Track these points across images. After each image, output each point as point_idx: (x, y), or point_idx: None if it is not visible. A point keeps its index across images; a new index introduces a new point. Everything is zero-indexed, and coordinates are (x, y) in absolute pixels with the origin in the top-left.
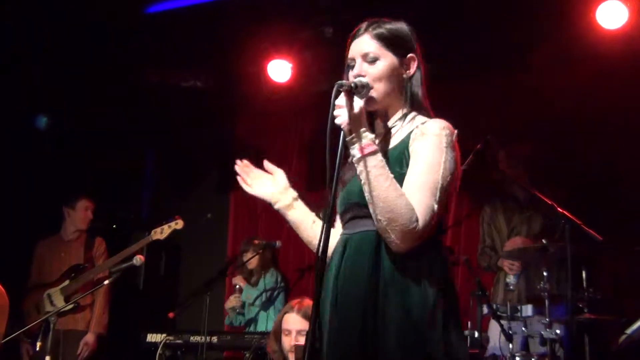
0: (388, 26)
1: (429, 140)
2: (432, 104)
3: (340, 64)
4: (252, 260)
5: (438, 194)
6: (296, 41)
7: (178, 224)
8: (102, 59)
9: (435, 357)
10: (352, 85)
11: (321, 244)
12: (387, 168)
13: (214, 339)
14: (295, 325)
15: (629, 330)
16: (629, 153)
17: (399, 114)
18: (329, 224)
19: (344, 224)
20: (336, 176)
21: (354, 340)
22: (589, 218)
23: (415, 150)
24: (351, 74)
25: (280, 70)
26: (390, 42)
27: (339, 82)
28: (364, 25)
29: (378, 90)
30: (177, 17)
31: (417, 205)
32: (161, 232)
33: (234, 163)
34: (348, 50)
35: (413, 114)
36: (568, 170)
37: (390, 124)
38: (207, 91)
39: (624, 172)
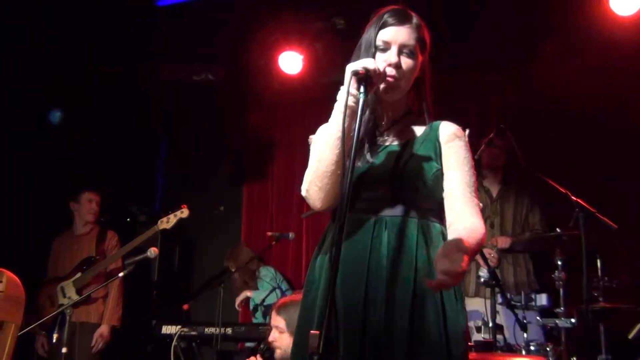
0: (424, 30)
1: (462, 144)
2: (445, 94)
3: (350, 56)
4: (236, 276)
5: None
6: (307, 33)
7: (184, 213)
8: (113, 52)
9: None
10: (366, 72)
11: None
12: None
13: (229, 330)
14: (277, 321)
15: None
16: None
17: (403, 110)
18: (345, 209)
19: (364, 201)
20: (352, 162)
21: (404, 319)
22: (601, 207)
23: (453, 151)
24: (381, 56)
25: (291, 62)
26: (423, 44)
27: (354, 69)
28: (404, 13)
29: (400, 86)
30: (187, 10)
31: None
32: (167, 222)
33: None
34: (379, 26)
35: (417, 113)
36: (580, 159)
37: (394, 118)
38: (218, 84)
39: (635, 159)
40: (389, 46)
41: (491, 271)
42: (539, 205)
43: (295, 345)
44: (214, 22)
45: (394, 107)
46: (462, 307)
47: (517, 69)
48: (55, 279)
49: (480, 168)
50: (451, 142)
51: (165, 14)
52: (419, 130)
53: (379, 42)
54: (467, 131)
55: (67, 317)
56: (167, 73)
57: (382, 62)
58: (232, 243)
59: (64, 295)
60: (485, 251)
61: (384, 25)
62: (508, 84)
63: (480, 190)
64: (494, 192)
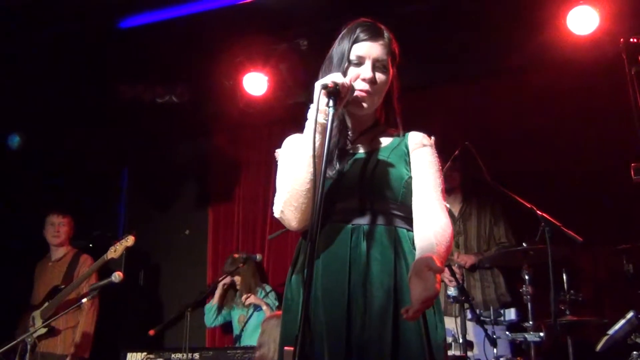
0: (394, 44)
1: (429, 150)
2: (410, 111)
3: (315, 76)
4: (238, 281)
5: None
6: (271, 54)
7: (128, 241)
8: (75, 74)
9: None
10: (335, 86)
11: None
12: None
13: (196, 355)
14: (263, 337)
15: (610, 331)
16: (604, 156)
17: (372, 121)
18: (317, 223)
19: (338, 212)
20: (322, 176)
21: (387, 328)
22: (565, 222)
23: (420, 158)
24: (355, 70)
25: (255, 83)
26: (394, 58)
27: (323, 83)
28: (376, 27)
29: (374, 100)
30: (151, 32)
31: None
32: (114, 251)
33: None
34: (353, 40)
35: (386, 124)
36: (542, 175)
37: (362, 129)
38: (183, 106)
39: (599, 174)
40: (363, 61)
41: (460, 287)
42: (502, 218)
43: None
44: (177, 44)
45: (363, 119)
46: (441, 319)
47: (480, 86)
48: (32, 307)
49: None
50: (419, 148)
51: (127, 35)
52: (386, 140)
53: (352, 57)
54: (432, 138)
55: (28, 347)
56: (130, 95)
57: (355, 76)
58: (198, 267)
59: (34, 325)
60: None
61: (357, 40)
62: (471, 102)
63: None
64: (455, 211)
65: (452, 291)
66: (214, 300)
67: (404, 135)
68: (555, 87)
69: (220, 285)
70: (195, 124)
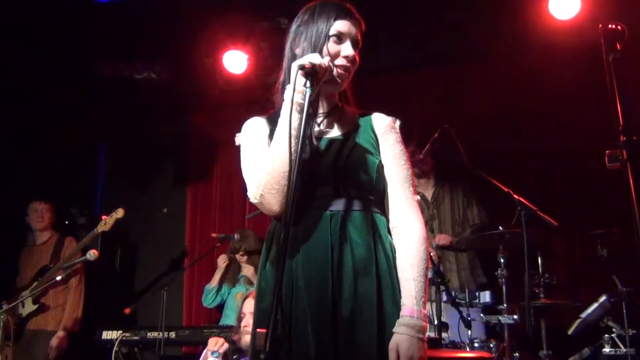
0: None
1: (397, 136)
2: (392, 93)
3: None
4: (242, 258)
5: None
6: (252, 32)
7: (119, 213)
8: (53, 51)
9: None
10: (312, 66)
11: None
12: None
13: (172, 334)
14: (249, 308)
15: (583, 314)
16: (582, 142)
17: (335, 101)
18: (292, 206)
19: (315, 197)
20: (298, 158)
21: (373, 313)
22: (542, 206)
23: (389, 144)
24: (334, 47)
25: (236, 61)
26: (362, 38)
27: (300, 63)
28: (349, 7)
29: (349, 77)
30: (130, 7)
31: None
32: (105, 224)
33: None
34: (334, 17)
35: (345, 104)
36: (521, 159)
37: (328, 109)
38: (162, 83)
39: (576, 160)
40: (344, 38)
41: (436, 270)
42: (475, 199)
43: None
44: (157, 20)
45: (330, 99)
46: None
47: (461, 69)
48: (19, 290)
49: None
50: (387, 134)
51: (106, 11)
52: (352, 122)
53: (333, 32)
54: (398, 122)
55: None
56: (108, 71)
57: (336, 53)
58: (176, 245)
59: (23, 306)
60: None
61: (337, 17)
62: (452, 85)
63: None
64: (429, 195)
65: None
66: (214, 282)
67: (367, 115)
68: (536, 71)
69: (222, 266)
70: (175, 102)
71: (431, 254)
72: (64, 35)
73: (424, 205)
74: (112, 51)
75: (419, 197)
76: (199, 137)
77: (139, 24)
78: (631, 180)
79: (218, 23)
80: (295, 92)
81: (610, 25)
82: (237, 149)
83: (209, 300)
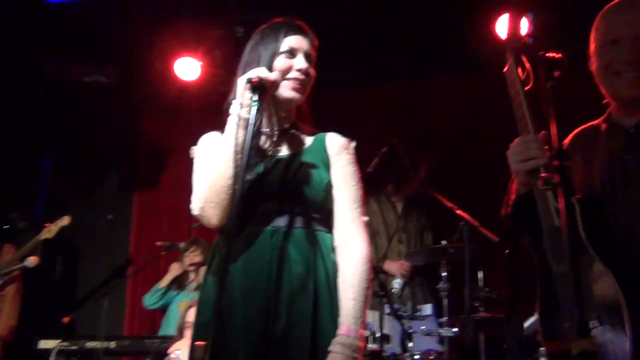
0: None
1: (350, 157)
2: (341, 109)
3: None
4: (195, 259)
5: None
6: (206, 39)
7: (64, 220)
8: None
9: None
10: (259, 80)
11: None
12: None
13: (112, 344)
14: (192, 318)
15: None
16: None
17: (291, 119)
18: (235, 221)
19: (259, 213)
20: (243, 174)
21: (307, 330)
22: (484, 221)
23: (341, 165)
24: (287, 61)
25: (189, 68)
26: (316, 53)
27: (247, 77)
28: (302, 25)
29: (304, 92)
30: (81, 8)
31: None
32: (49, 231)
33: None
34: (285, 33)
35: (302, 123)
36: (465, 175)
37: (283, 127)
38: (111, 86)
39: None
40: (295, 52)
41: (379, 282)
42: (430, 225)
43: None
44: (108, 22)
45: (284, 117)
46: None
47: (411, 85)
48: None
49: (387, 182)
50: (339, 154)
51: (56, 12)
52: (306, 140)
53: (284, 48)
54: (353, 144)
55: None
56: (55, 72)
57: (288, 67)
58: (119, 254)
59: None
60: (398, 264)
61: (288, 33)
62: (402, 100)
63: (387, 203)
64: (399, 207)
65: (395, 286)
66: (163, 283)
67: (321, 135)
68: (480, 91)
69: (175, 271)
70: (124, 106)
71: (404, 267)
72: (8, 35)
73: (393, 217)
74: (59, 52)
75: (366, 219)
76: (148, 143)
77: (89, 25)
78: (562, 203)
79: (170, 29)
80: (242, 107)
81: (548, 54)
82: (188, 156)
83: (153, 300)
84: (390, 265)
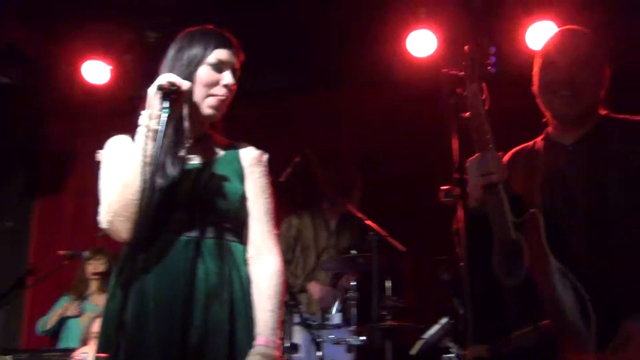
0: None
1: (263, 170)
2: (258, 118)
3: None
4: (99, 268)
5: None
6: (115, 43)
7: None
8: None
9: None
10: (170, 86)
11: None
12: None
13: (8, 358)
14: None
15: (425, 335)
16: (426, 177)
17: (206, 129)
18: (141, 233)
19: (170, 223)
20: (151, 183)
21: (224, 340)
22: (392, 232)
23: (255, 177)
24: (213, 75)
25: (97, 71)
26: (240, 68)
27: (158, 83)
28: (231, 37)
29: (226, 106)
30: None
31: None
32: None
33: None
34: (214, 45)
35: (216, 133)
36: (375, 187)
37: (197, 136)
38: (15, 88)
39: (422, 192)
40: (224, 68)
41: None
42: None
43: None
44: (14, 19)
45: (200, 127)
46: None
47: (326, 97)
48: None
49: (321, 195)
50: (253, 166)
51: None
52: (218, 149)
53: (213, 60)
54: (266, 156)
55: None
56: None
57: (215, 81)
58: (17, 262)
59: None
60: (321, 291)
61: (217, 46)
62: (318, 111)
63: (320, 219)
64: (333, 224)
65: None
66: (51, 320)
67: (234, 146)
68: (393, 104)
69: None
70: (28, 108)
71: (326, 297)
72: None
73: (325, 233)
74: None
75: (277, 231)
76: (54, 147)
77: None
78: (461, 214)
79: (79, 31)
80: (151, 118)
81: (451, 72)
82: (94, 162)
83: (45, 327)
84: (314, 289)
